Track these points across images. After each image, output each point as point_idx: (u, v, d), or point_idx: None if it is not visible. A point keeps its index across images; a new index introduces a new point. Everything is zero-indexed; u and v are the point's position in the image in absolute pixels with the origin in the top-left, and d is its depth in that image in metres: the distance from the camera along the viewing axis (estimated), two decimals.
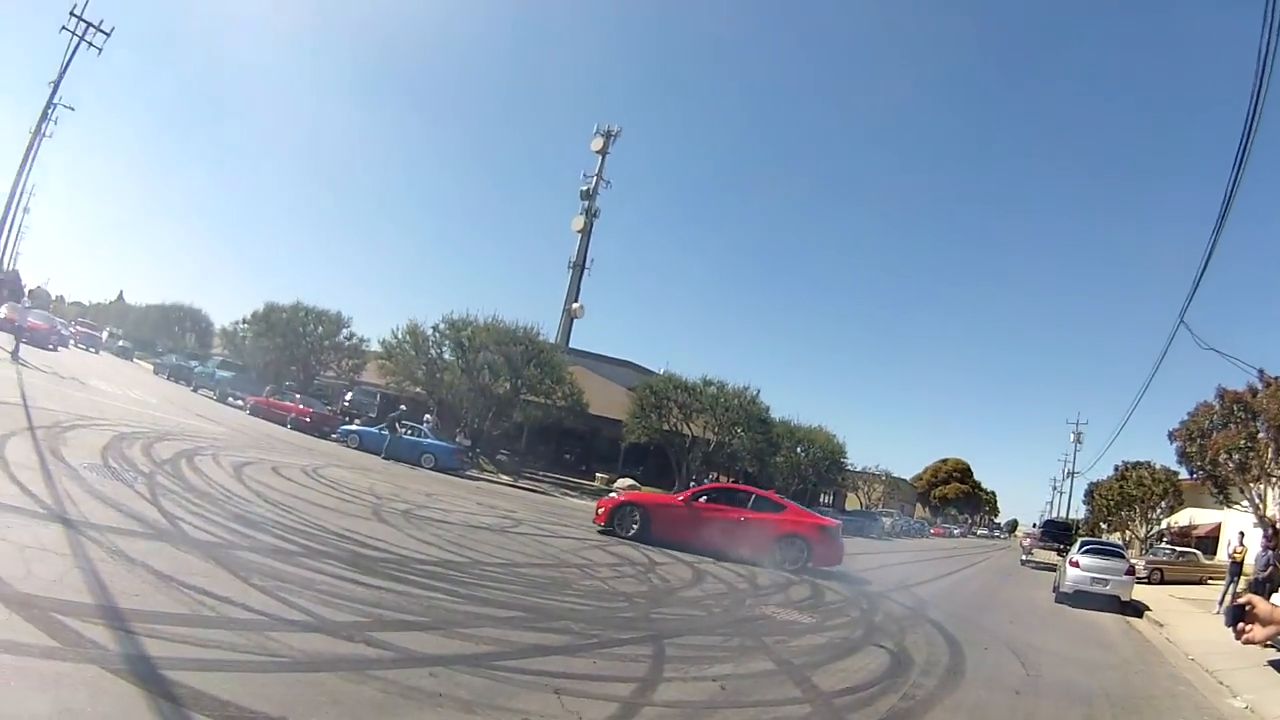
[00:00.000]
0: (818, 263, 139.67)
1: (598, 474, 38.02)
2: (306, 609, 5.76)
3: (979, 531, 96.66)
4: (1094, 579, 18.36)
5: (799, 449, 44.29)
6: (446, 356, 36.45)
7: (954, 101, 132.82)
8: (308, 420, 30.95)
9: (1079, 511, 59.87)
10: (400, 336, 36.82)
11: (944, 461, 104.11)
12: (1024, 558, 38.27)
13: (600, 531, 15.78)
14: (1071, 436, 72.22)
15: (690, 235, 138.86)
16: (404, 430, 28.03)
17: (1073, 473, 71.92)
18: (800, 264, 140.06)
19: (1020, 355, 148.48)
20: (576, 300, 48.45)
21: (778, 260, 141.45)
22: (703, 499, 16.91)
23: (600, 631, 7.18)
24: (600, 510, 16.66)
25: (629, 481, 34.20)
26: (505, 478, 31.29)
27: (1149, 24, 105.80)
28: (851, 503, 63.78)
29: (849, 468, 53.79)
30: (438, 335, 36.53)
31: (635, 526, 15.68)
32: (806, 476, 45.11)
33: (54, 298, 79.95)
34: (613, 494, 20.83)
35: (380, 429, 28.85)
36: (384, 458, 26.30)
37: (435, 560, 9.15)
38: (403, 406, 30.50)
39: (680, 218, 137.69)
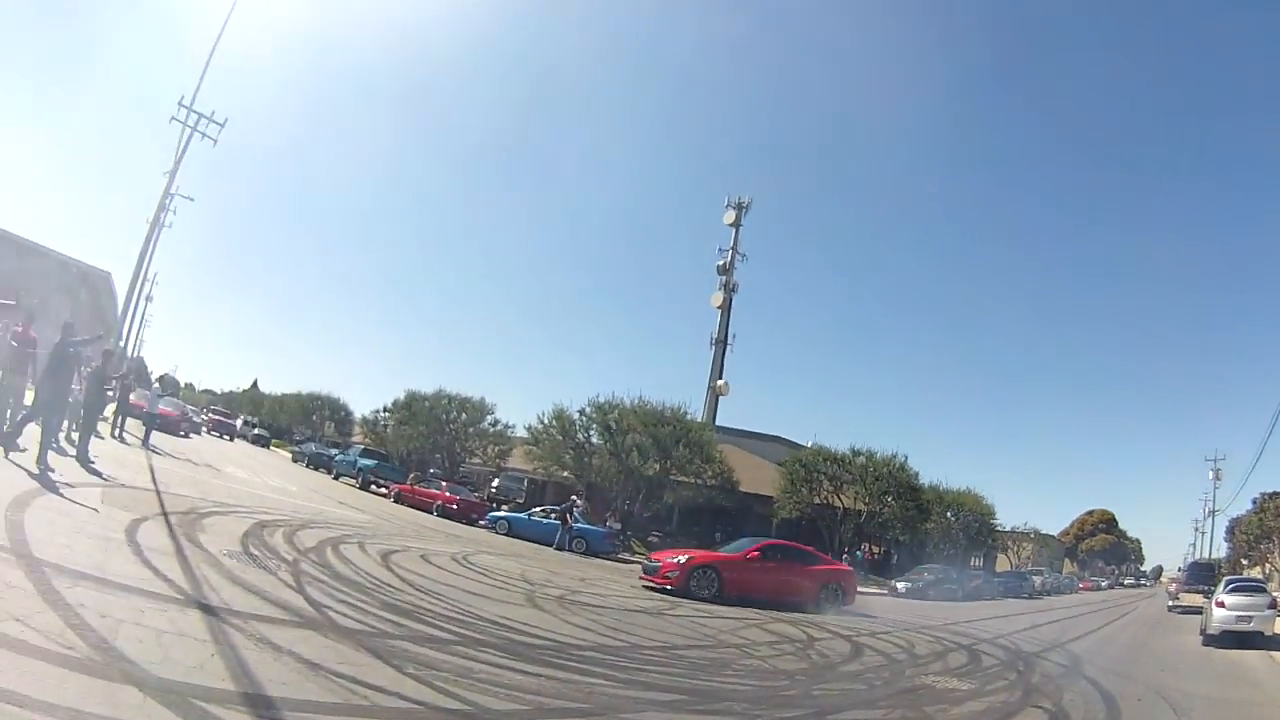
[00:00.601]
0: (955, 325, 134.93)
1: None
2: (464, 697, 5.45)
3: (1126, 581, 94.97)
4: (1238, 617, 17.80)
5: (949, 513, 43.55)
6: (594, 440, 36.26)
7: (1068, 143, 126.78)
8: (455, 507, 30.46)
9: (1221, 550, 61.54)
10: (547, 422, 36.81)
11: (1090, 514, 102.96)
12: (1170, 604, 35.42)
13: (670, 592, 16.39)
14: (1211, 474, 70.14)
15: (833, 301, 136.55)
16: (575, 521, 27.29)
17: (1214, 511, 70.03)
18: (938, 326, 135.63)
19: (1151, 393, 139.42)
20: (720, 377, 47.18)
21: (917, 323, 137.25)
22: (761, 555, 18.25)
23: (764, 711, 7.00)
24: (667, 570, 17.04)
25: None
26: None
27: None
28: (1001, 564, 62.47)
29: (998, 528, 52.09)
30: (584, 419, 36.37)
31: (715, 587, 16.65)
32: (957, 540, 44.20)
33: (183, 385, 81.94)
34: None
35: (535, 516, 28.50)
36: (555, 549, 25.55)
37: (593, 645, 8.89)
38: (575, 498, 29.59)
39: (822, 284, 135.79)
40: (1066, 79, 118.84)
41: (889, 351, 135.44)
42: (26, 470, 10.52)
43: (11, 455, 11.10)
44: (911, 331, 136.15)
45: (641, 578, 18.06)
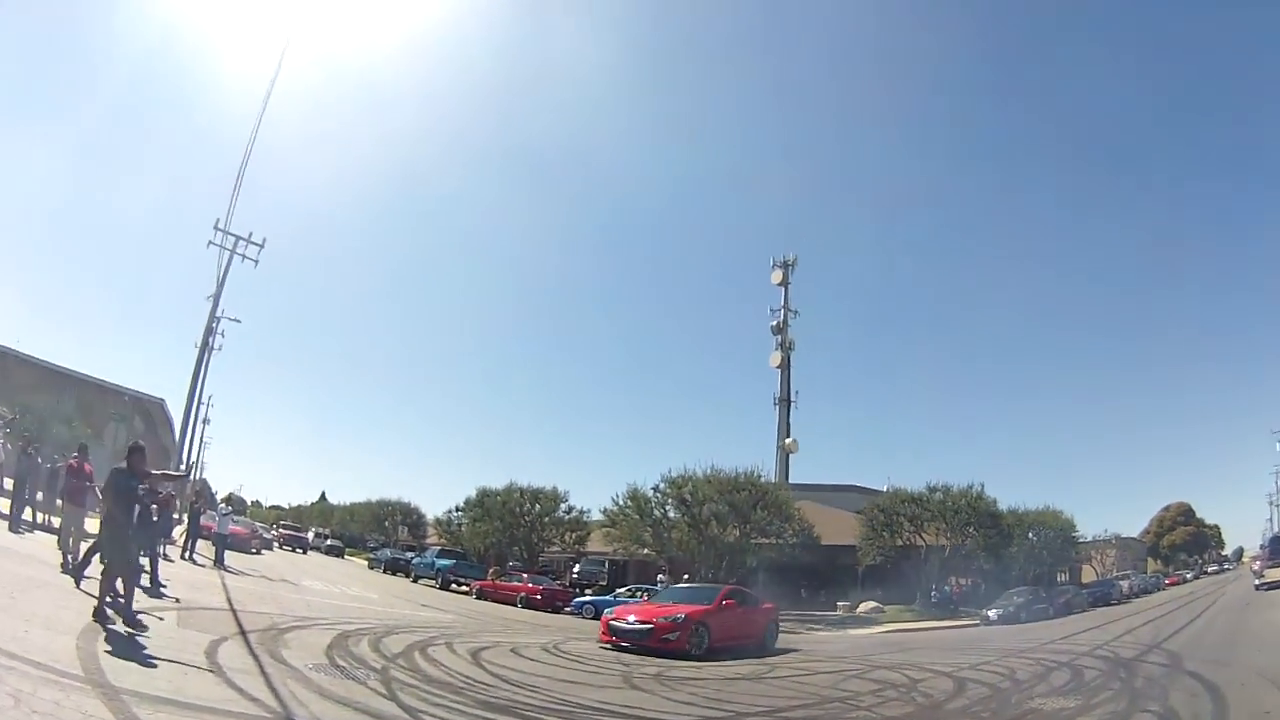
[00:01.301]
0: (1010, 333, 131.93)
1: (838, 603, 36.34)
2: None
3: (1209, 569, 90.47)
4: None
5: (1030, 534, 42.49)
6: (670, 515, 35.83)
7: (1112, 156, 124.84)
8: (539, 597, 29.95)
9: None
10: (622, 502, 36.52)
11: (1167, 509, 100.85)
12: (1257, 582, 34.25)
13: (665, 654, 14.96)
14: (1277, 445, 70.94)
15: (887, 343, 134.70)
16: None
17: None
18: (991, 339, 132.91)
19: (1211, 374, 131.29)
20: (788, 435, 46.56)
21: (970, 350, 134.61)
22: (736, 602, 17.86)
23: None
24: (665, 631, 15.55)
25: (873, 604, 34.46)
26: None
27: None
28: (1086, 574, 60.28)
29: (1080, 540, 49.98)
30: (659, 495, 36.03)
31: (705, 641, 15.66)
32: (1042, 560, 43.21)
33: (249, 503, 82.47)
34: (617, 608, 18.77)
35: (620, 596, 27.86)
36: None
37: (698, 718, 8.75)
38: (660, 576, 29.02)
39: (875, 327, 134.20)
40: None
41: (951, 384, 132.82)
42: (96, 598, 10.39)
43: (83, 585, 11.00)
44: (967, 359, 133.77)
45: (605, 638, 16.33)
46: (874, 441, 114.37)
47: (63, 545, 12.93)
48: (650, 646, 15.26)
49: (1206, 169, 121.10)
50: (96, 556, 11.34)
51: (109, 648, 7.51)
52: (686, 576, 31.01)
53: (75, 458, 13.82)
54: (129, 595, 9.28)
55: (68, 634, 7.73)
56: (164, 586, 13.60)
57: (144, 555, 13.50)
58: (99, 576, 8.88)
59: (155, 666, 7.20)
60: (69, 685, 5.78)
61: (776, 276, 49.66)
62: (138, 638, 8.38)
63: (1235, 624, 20.17)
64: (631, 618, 16.14)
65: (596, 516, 40.23)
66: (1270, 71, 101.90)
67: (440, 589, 34.88)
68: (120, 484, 9.27)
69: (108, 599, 8.68)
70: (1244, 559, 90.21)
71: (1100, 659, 14.12)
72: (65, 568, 12.17)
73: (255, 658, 8.80)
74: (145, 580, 13.18)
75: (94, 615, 8.52)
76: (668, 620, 15.66)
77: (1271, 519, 78.35)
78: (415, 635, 13.84)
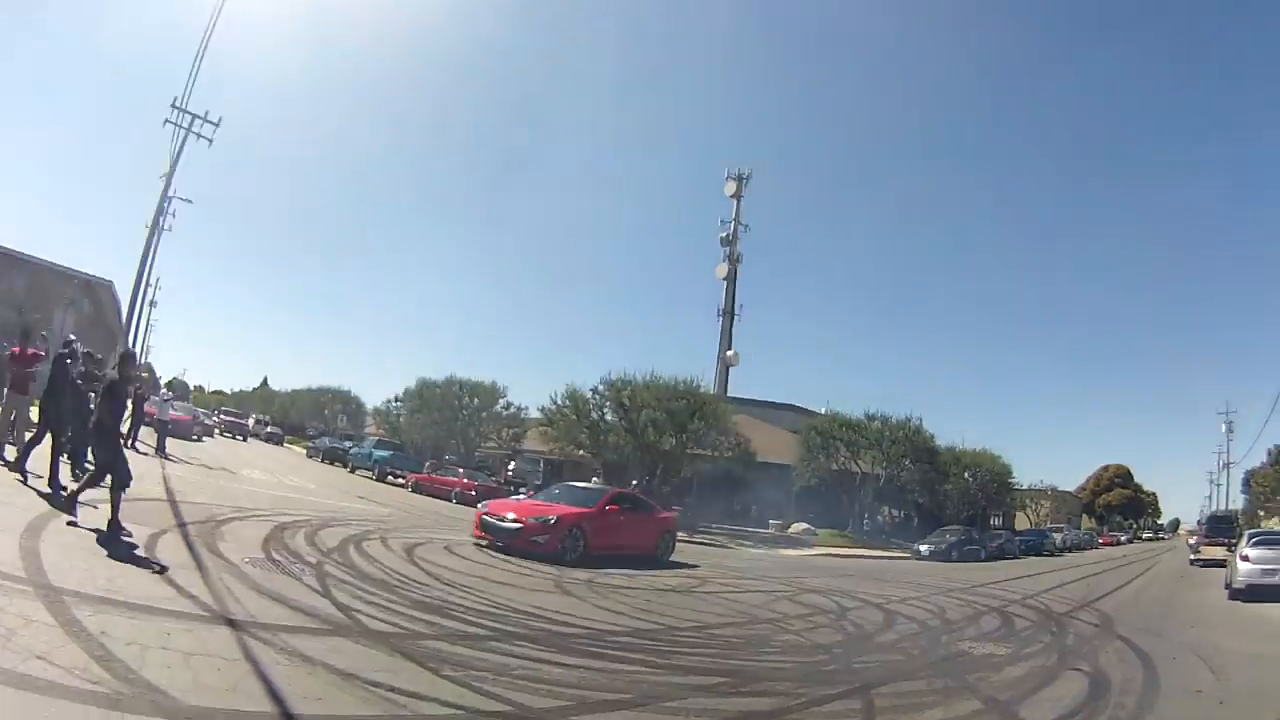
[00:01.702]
0: (963, 279, 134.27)
1: (770, 520, 36.99)
2: (505, 697, 5.42)
3: (1144, 535, 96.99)
4: (1264, 570, 17.93)
5: (966, 474, 43.60)
6: (608, 418, 36.00)
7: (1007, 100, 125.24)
8: (473, 493, 30.18)
9: (1238, 502, 62.00)
10: (560, 402, 36.49)
11: (1105, 469, 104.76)
12: (1192, 557, 36.28)
13: (536, 557, 14.10)
14: (1223, 427, 71.69)
15: (836, 267, 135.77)
16: None
17: (1228, 464, 71.02)
18: (946, 286, 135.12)
19: (1163, 347, 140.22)
20: (730, 348, 46.78)
21: (924, 282, 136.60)
22: (619, 508, 16.75)
23: (807, 689, 6.99)
24: (534, 531, 14.48)
25: (805, 526, 35.17)
26: (679, 534, 29.79)
27: None
28: (1020, 522, 62.68)
29: (1016, 487, 52.73)
30: (598, 398, 36.07)
31: (581, 546, 14.78)
32: (975, 501, 44.65)
33: (193, 388, 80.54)
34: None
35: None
36: None
37: (628, 630, 8.85)
38: (594, 477, 29.29)
39: (824, 249, 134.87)
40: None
41: (900, 315, 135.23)
42: (37, 492, 10.36)
43: (30, 481, 10.83)
44: (920, 292, 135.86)
45: (479, 534, 15.19)
46: (815, 363, 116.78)
47: (2, 436, 12.55)
48: (517, 547, 14.32)
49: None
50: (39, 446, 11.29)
51: (48, 545, 7.47)
52: (594, 477, 31.45)
53: (19, 345, 13.32)
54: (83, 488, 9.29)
55: (9, 532, 7.66)
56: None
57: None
58: (107, 491, 8.75)
59: (96, 564, 7.21)
60: (10, 588, 5.80)
61: (730, 188, 49.26)
62: (78, 533, 8.33)
63: (1170, 595, 20.74)
64: (510, 515, 14.97)
65: (535, 415, 40.29)
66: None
67: (377, 481, 35.02)
68: (117, 392, 9.21)
69: (118, 516, 8.59)
70: (1180, 531, 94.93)
71: (1031, 609, 14.51)
72: (1, 459, 11.89)
73: (193, 552, 8.85)
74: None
75: (108, 529, 8.45)
76: (538, 521, 14.64)
77: (1212, 496, 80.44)
78: (351, 529, 13.95)
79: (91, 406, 10.74)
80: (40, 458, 11.21)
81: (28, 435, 12.06)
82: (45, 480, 10.75)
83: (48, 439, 11.39)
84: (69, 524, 8.57)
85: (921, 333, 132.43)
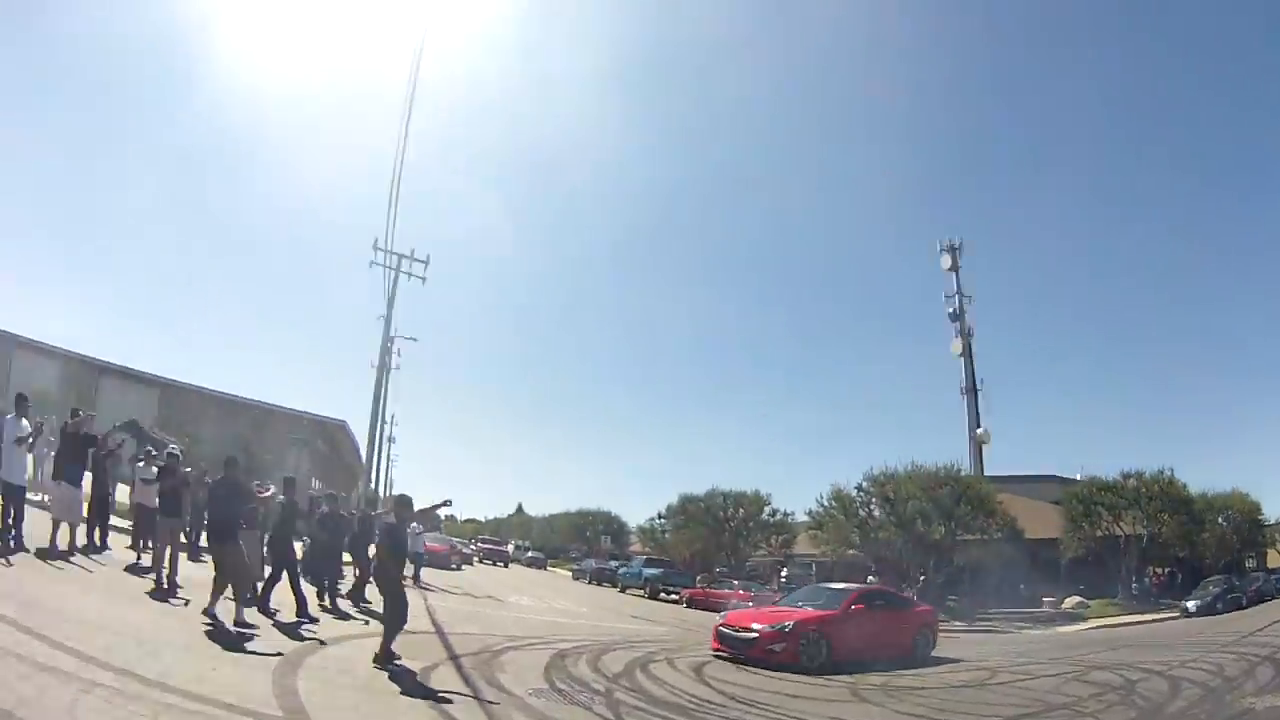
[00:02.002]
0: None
1: (1043, 598, 35.21)
2: None
3: None
4: None
5: (1220, 519, 39.79)
6: (875, 514, 35.78)
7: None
8: (750, 604, 30.08)
9: None
10: (827, 504, 36.90)
11: None
12: None
13: (773, 667, 13.15)
14: None
15: (1068, 322, 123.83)
16: None
17: None
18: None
19: None
20: (979, 426, 44.77)
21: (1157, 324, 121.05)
22: (866, 606, 15.66)
23: None
24: (769, 639, 13.67)
25: (1077, 599, 34.05)
26: (958, 623, 28.65)
27: None
28: (1271, 559, 54.30)
29: (1265, 524, 45.69)
30: (863, 495, 36.18)
31: (824, 653, 13.78)
32: (1231, 546, 40.45)
33: (442, 519, 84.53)
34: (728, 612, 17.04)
35: None
36: None
37: None
38: (870, 577, 28.78)
39: (1054, 308, 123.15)
40: None
41: (1131, 363, 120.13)
42: (275, 625, 10.66)
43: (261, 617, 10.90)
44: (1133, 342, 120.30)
45: (716, 646, 14.49)
46: (1050, 428, 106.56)
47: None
48: (754, 657, 13.55)
49: None
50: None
51: (307, 682, 7.45)
52: (870, 577, 30.67)
53: (259, 483, 13.72)
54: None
55: (261, 669, 7.74)
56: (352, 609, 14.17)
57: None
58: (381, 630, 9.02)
59: (364, 702, 7.27)
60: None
61: (945, 262, 48.01)
62: (338, 668, 8.37)
63: None
64: (751, 624, 14.26)
65: (801, 518, 40.49)
66: None
67: (649, 599, 35.19)
68: (396, 534, 9.57)
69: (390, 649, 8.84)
70: None
71: None
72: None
73: (470, 684, 8.73)
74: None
75: (376, 662, 8.62)
76: (774, 629, 13.90)
77: None
78: (633, 651, 13.64)
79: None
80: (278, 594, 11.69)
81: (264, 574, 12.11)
82: (294, 611, 11.22)
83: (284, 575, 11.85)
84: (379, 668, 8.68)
85: (1151, 381, 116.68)
